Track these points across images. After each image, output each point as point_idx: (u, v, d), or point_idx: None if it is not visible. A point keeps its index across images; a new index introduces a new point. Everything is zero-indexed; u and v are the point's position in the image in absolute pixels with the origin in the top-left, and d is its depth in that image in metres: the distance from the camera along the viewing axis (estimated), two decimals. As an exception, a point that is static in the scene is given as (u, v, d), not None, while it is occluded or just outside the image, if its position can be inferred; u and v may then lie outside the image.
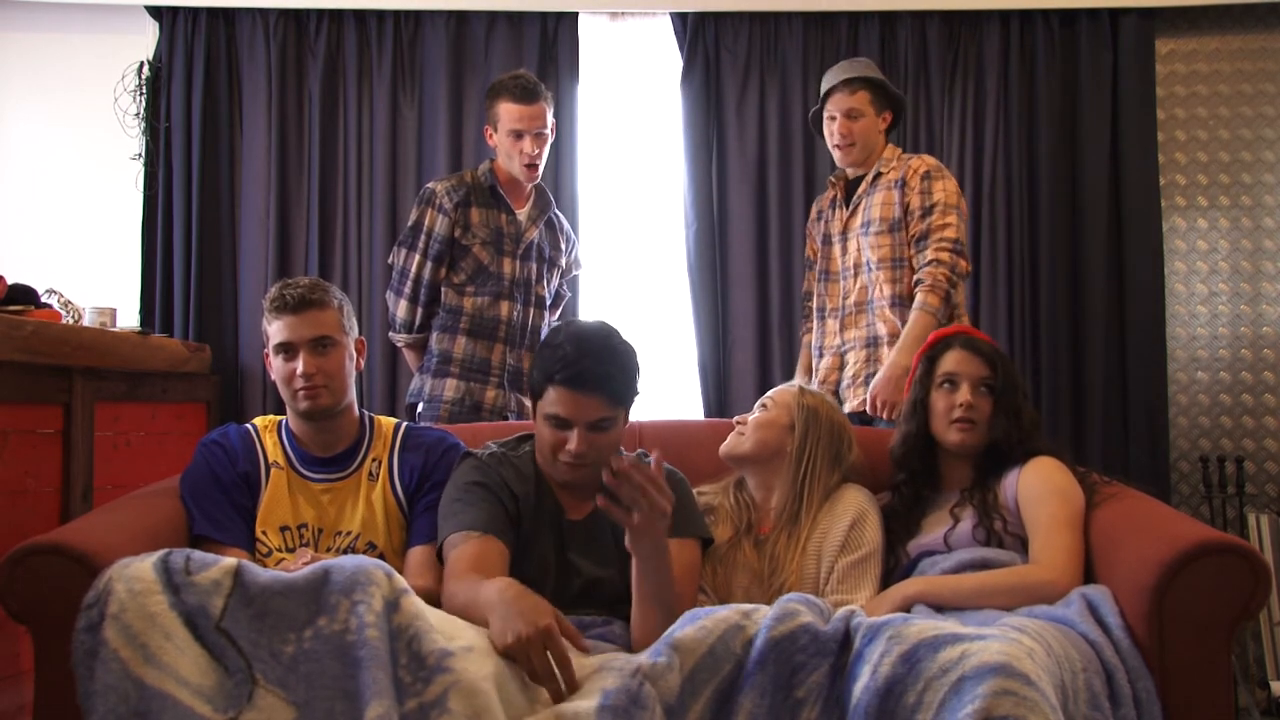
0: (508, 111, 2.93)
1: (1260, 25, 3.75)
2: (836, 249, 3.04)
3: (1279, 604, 3.30)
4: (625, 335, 2.07)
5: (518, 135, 2.94)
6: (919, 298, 2.80)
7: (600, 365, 1.96)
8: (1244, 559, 1.80)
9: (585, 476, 2.01)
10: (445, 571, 1.92)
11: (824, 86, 3.03)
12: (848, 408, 2.88)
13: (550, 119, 3.00)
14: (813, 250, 3.15)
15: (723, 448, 2.27)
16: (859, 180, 3.02)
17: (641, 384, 2.07)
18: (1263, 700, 3.31)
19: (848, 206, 3.01)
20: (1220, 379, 3.73)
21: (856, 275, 2.97)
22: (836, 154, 3.01)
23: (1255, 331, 3.72)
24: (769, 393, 2.35)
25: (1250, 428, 3.70)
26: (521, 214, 3.06)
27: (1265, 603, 1.86)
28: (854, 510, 2.16)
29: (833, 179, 3.11)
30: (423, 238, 2.98)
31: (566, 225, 3.23)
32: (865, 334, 2.94)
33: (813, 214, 3.19)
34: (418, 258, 2.99)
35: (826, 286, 3.07)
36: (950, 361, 2.22)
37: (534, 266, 3.07)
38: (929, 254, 2.83)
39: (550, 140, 3.03)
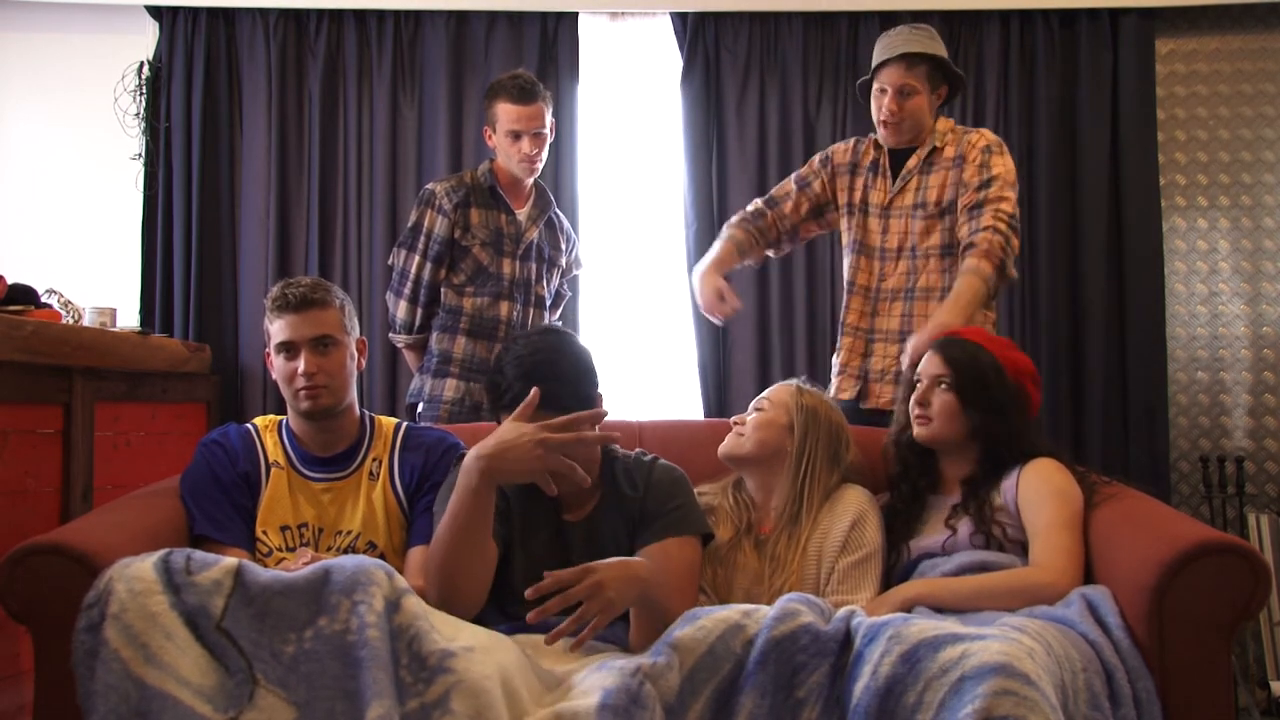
0: (505, 112, 2.92)
1: (1260, 25, 3.75)
2: (875, 223, 2.78)
3: (1279, 604, 3.30)
4: (570, 340, 2.05)
5: (516, 136, 2.93)
6: (970, 261, 2.55)
7: (539, 383, 1.89)
8: (1244, 559, 1.79)
9: (571, 483, 2.00)
10: None
11: (879, 55, 2.75)
12: (872, 403, 2.74)
13: (549, 119, 2.99)
14: (828, 192, 2.87)
15: (721, 448, 2.26)
16: (906, 152, 2.78)
17: (598, 379, 2.03)
18: (1263, 700, 3.31)
19: (893, 179, 2.78)
20: (1220, 379, 3.73)
21: (899, 259, 2.75)
22: (881, 130, 2.77)
23: (1255, 331, 3.72)
24: (764, 393, 2.33)
25: (1250, 428, 3.70)
26: (521, 214, 3.05)
27: (1265, 603, 1.86)
28: (854, 510, 2.16)
29: (878, 140, 2.83)
30: (422, 239, 2.98)
31: (567, 225, 3.23)
32: (899, 325, 2.72)
33: (844, 156, 2.87)
34: (417, 259, 2.98)
35: (857, 259, 2.81)
36: (923, 362, 2.27)
37: (534, 266, 3.06)
38: (985, 220, 2.58)
39: (549, 140, 3.02)
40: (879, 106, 2.74)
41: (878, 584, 2.11)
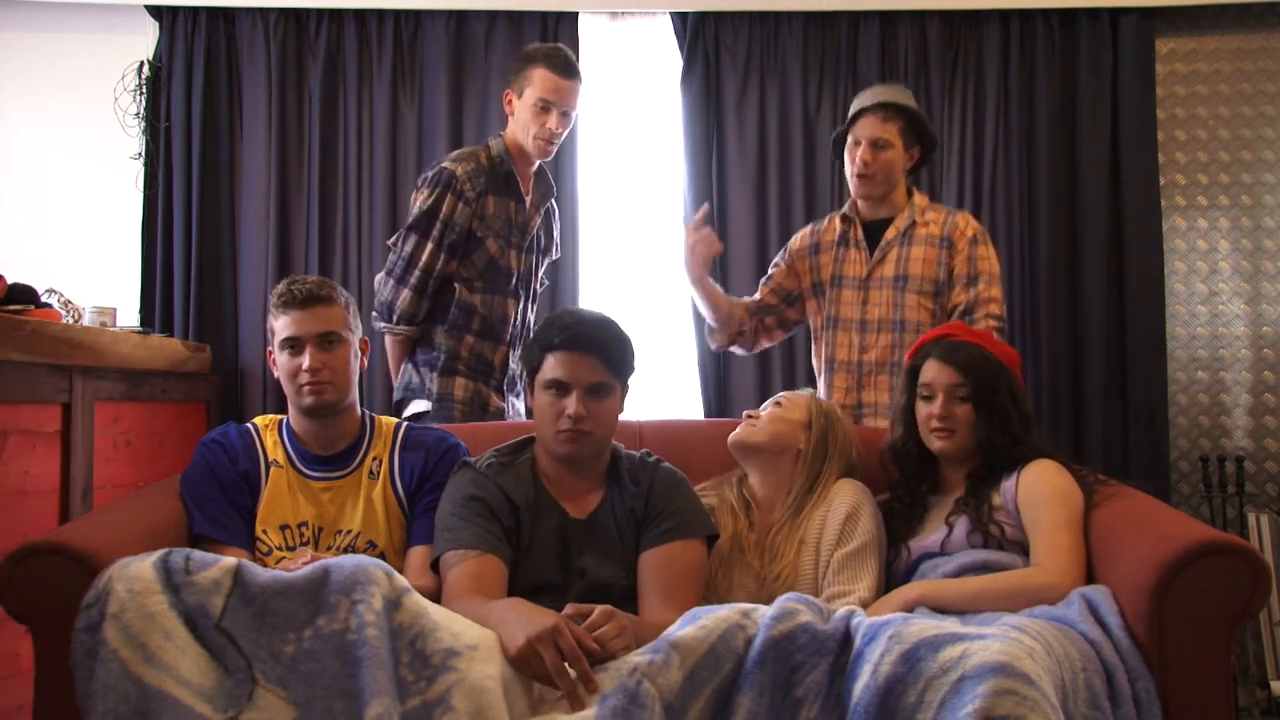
0: (543, 79, 2.73)
1: (1260, 25, 3.75)
2: (852, 295, 2.76)
3: (1279, 604, 3.30)
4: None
5: (545, 107, 2.74)
6: None
7: (597, 331, 2.04)
8: (1244, 559, 1.80)
9: (585, 451, 2.03)
10: (445, 591, 1.92)
11: (855, 106, 2.78)
12: None
13: (578, 105, 2.83)
14: (793, 279, 2.88)
15: (733, 436, 2.26)
16: (881, 224, 2.77)
17: (636, 371, 2.11)
18: (1263, 700, 3.31)
19: (870, 251, 2.76)
20: (1220, 379, 3.72)
21: (880, 331, 2.72)
22: (854, 183, 2.76)
23: (1255, 331, 3.72)
24: (782, 393, 2.36)
25: (1250, 428, 3.70)
26: (527, 201, 2.89)
27: (1265, 603, 1.86)
28: (849, 503, 2.17)
29: (847, 214, 2.83)
30: (439, 225, 2.74)
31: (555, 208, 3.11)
32: (889, 399, 2.62)
33: (804, 241, 2.88)
34: (430, 246, 2.74)
35: (834, 335, 2.77)
36: (927, 371, 2.23)
37: (533, 259, 2.96)
38: (978, 329, 2.55)
39: (569, 127, 2.86)
40: (853, 159, 2.74)
41: (876, 573, 2.11)
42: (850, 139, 2.77)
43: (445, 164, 2.81)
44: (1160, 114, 3.70)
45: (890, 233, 2.76)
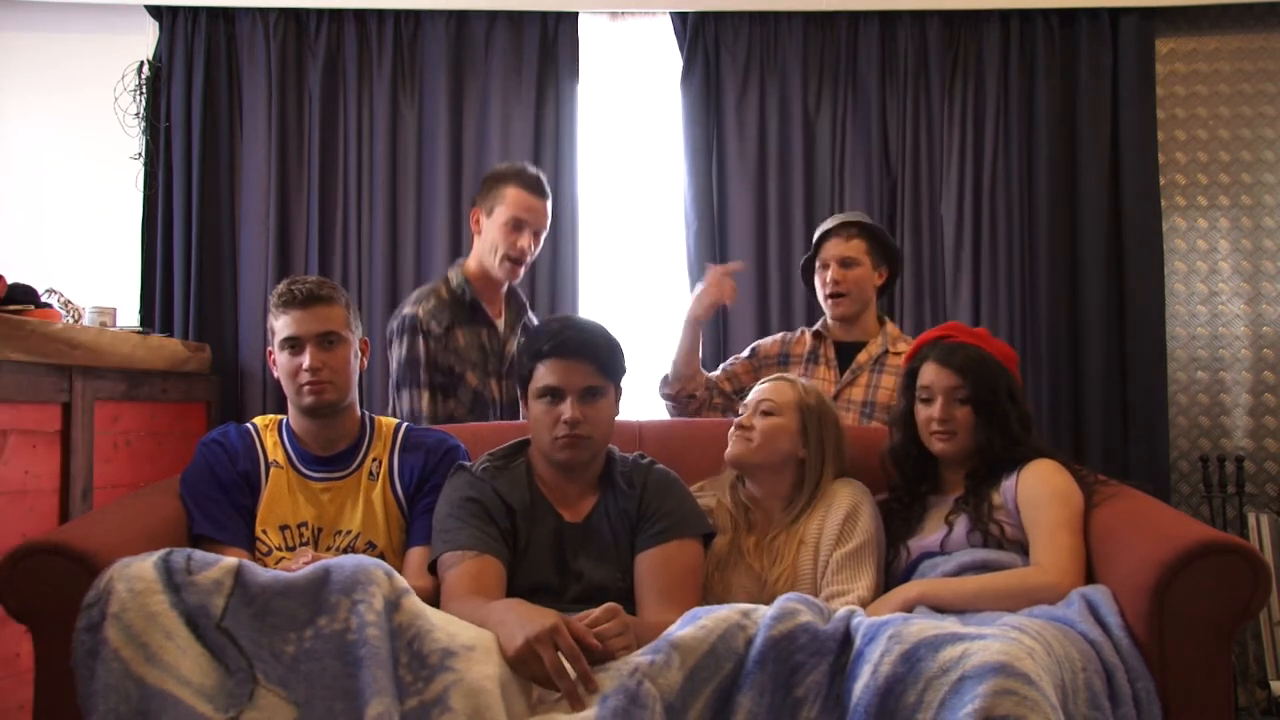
0: (515, 198, 2.67)
1: (1260, 25, 3.75)
2: None
3: (1279, 604, 3.30)
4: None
5: (517, 225, 2.67)
6: None
7: (587, 334, 2.05)
8: (1244, 559, 1.80)
9: (583, 455, 2.04)
10: (444, 591, 1.92)
11: (817, 233, 2.86)
12: None
13: (548, 226, 2.77)
14: (751, 377, 2.82)
15: (730, 454, 2.23)
16: (853, 346, 2.82)
17: (627, 372, 2.11)
18: (1263, 700, 3.31)
19: (841, 371, 2.79)
20: (1220, 379, 3.72)
21: None
22: (827, 305, 2.81)
23: (1255, 331, 3.72)
24: (763, 391, 2.29)
25: (1250, 428, 3.70)
26: (500, 324, 2.79)
27: (1265, 603, 1.86)
28: (848, 503, 2.17)
29: (819, 331, 2.87)
30: (422, 371, 2.65)
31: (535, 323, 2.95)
32: None
33: (774, 349, 2.90)
34: (425, 394, 2.65)
35: None
36: (925, 374, 2.24)
37: (516, 383, 2.78)
38: None
39: (538, 249, 2.77)
40: (823, 281, 2.81)
41: (875, 573, 2.11)
42: (818, 264, 2.84)
43: (406, 310, 2.73)
44: (1160, 114, 3.70)
45: (863, 357, 2.80)
